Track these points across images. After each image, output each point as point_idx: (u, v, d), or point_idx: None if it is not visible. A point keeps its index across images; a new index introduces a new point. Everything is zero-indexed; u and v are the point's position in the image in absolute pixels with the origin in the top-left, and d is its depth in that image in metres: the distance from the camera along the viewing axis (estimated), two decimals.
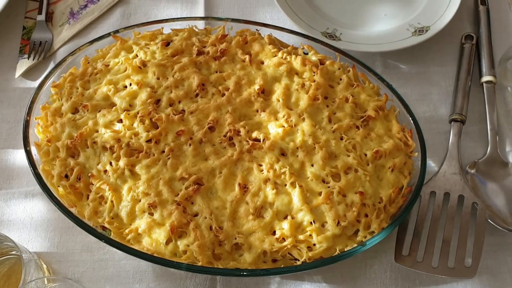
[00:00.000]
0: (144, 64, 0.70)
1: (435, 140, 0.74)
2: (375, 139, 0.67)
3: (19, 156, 0.74)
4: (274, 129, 0.66)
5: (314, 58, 0.73)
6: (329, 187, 0.62)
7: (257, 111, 0.68)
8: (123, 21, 0.87)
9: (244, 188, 0.62)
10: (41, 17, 0.86)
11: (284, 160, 0.64)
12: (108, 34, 0.75)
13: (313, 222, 0.60)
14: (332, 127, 0.66)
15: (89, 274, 0.65)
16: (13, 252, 0.63)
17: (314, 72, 0.70)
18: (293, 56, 0.72)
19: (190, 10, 0.88)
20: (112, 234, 0.60)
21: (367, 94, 0.70)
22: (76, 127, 0.66)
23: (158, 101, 0.68)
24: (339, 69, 0.72)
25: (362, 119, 0.68)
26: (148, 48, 0.72)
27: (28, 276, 0.56)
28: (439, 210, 0.67)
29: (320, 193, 0.62)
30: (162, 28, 0.76)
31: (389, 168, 0.65)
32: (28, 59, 0.81)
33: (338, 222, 0.60)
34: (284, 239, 0.60)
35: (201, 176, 0.62)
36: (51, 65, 0.81)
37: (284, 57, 0.72)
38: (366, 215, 0.62)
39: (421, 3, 0.86)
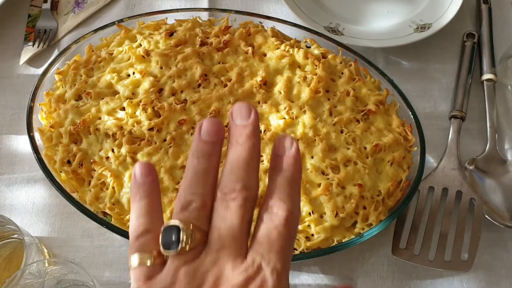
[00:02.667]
0: (147, 53, 0.71)
1: (434, 136, 0.74)
2: (375, 132, 0.67)
3: (21, 142, 0.74)
4: (275, 121, 0.67)
5: (316, 51, 0.73)
6: (328, 178, 0.63)
7: (259, 102, 0.68)
8: (127, 12, 0.87)
9: None
10: (47, 6, 0.86)
11: None
12: (113, 23, 0.75)
13: (311, 213, 0.61)
14: (333, 120, 0.67)
15: (89, 259, 0.65)
16: (15, 236, 0.63)
17: (316, 66, 0.71)
18: (296, 49, 0.72)
19: (194, 2, 0.88)
20: (113, 220, 0.61)
21: (368, 88, 0.71)
22: (79, 113, 0.66)
23: (160, 90, 0.68)
24: (341, 63, 0.72)
25: (362, 113, 0.68)
26: (152, 38, 0.73)
27: (30, 258, 0.57)
28: (437, 205, 0.68)
29: (319, 185, 0.62)
30: (166, 18, 0.76)
31: (388, 161, 0.65)
32: (33, 46, 0.81)
33: (337, 214, 0.61)
34: None
35: None
36: (56, 53, 0.82)
37: (286, 49, 0.72)
38: (365, 207, 0.62)
39: (423, 0, 0.87)
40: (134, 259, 0.36)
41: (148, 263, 0.35)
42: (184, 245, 0.34)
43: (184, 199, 0.36)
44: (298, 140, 0.65)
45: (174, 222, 0.35)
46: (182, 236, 0.34)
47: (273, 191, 0.36)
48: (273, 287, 0.34)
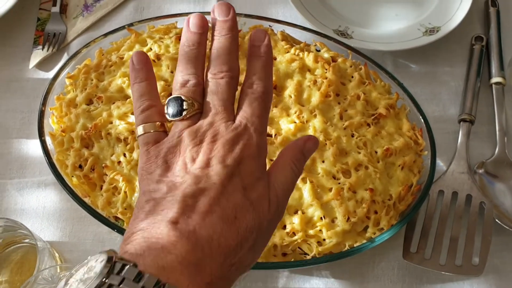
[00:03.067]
0: (158, 57, 0.71)
1: (444, 139, 0.74)
2: (385, 137, 0.67)
3: (32, 146, 0.74)
4: (286, 125, 0.67)
5: (326, 55, 0.73)
6: (339, 183, 0.63)
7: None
8: (136, 15, 0.87)
9: None
10: (56, 9, 0.86)
11: None
12: (123, 27, 0.75)
13: (323, 218, 0.61)
14: (343, 124, 0.67)
15: None
16: (26, 240, 0.63)
17: (326, 69, 0.71)
18: (306, 53, 0.72)
19: (202, 5, 0.88)
20: (124, 224, 0.61)
21: (378, 92, 0.71)
22: (90, 118, 0.67)
23: (171, 95, 0.68)
24: (351, 66, 0.72)
25: (373, 117, 0.68)
26: (162, 42, 0.73)
27: (42, 264, 0.57)
28: (447, 209, 0.68)
29: (330, 189, 0.62)
30: (176, 22, 0.76)
31: (399, 166, 0.66)
32: (42, 50, 0.82)
33: (348, 218, 0.61)
34: (294, 234, 0.60)
35: None
36: (65, 57, 0.82)
37: (296, 53, 0.72)
38: (376, 212, 0.62)
39: (432, 4, 0.87)
40: (140, 128, 0.45)
41: (152, 131, 0.44)
42: (186, 113, 0.43)
43: (182, 78, 0.45)
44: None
45: (177, 95, 0.44)
46: (185, 105, 0.43)
47: (253, 72, 0.46)
48: (256, 140, 0.43)
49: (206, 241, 0.38)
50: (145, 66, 0.47)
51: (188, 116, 0.43)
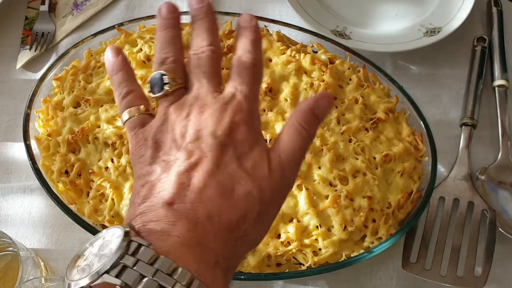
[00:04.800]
0: (148, 58, 0.69)
1: (445, 144, 0.72)
2: (384, 142, 0.65)
3: (18, 150, 0.72)
4: None
5: (323, 57, 0.71)
6: (336, 190, 0.61)
7: (264, 110, 0.66)
8: (127, 14, 0.84)
9: None
10: (44, 8, 0.83)
11: None
12: (113, 27, 0.73)
13: (319, 226, 0.59)
14: (341, 129, 0.65)
15: None
16: (10, 249, 0.61)
17: (323, 72, 0.68)
18: (302, 54, 0.70)
19: None
20: None
21: (377, 95, 0.68)
22: (77, 121, 0.64)
23: None
24: (349, 69, 0.70)
25: (371, 121, 0.66)
26: (153, 42, 0.70)
27: (26, 274, 0.55)
28: (448, 217, 0.66)
29: (327, 197, 0.60)
30: None
31: (398, 172, 0.63)
32: (30, 50, 0.79)
33: (345, 227, 0.59)
34: (289, 243, 0.58)
35: None
36: (53, 57, 0.79)
37: (293, 55, 0.70)
38: (374, 220, 0.60)
39: (433, 4, 0.84)
40: (125, 114, 0.44)
41: (137, 114, 0.43)
42: (169, 87, 0.42)
43: (160, 57, 0.44)
44: None
45: (157, 72, 0.43)
46: (166, 79, 0.43)
47: (241, 47, 0.45)
48: (247, 107, 0.42)
49: (206, 218, 0.37)
50: (119, 58, 0.46)
51: (170, 90, 0.43)
